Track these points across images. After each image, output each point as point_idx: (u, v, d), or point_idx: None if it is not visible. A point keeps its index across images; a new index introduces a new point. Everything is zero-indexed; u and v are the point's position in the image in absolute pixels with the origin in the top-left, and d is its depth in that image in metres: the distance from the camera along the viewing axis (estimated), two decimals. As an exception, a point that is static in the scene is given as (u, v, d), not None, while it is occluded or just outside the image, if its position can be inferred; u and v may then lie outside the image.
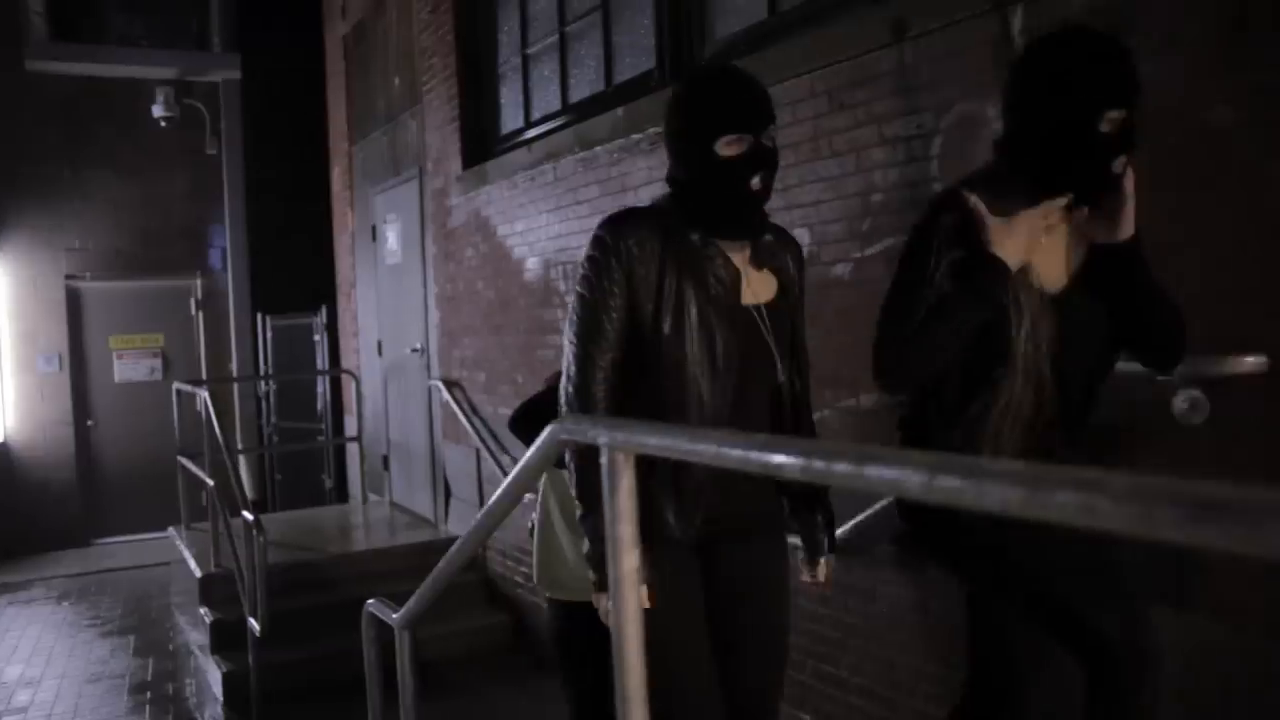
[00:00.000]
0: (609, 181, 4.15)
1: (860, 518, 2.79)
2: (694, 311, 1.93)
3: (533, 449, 1.55)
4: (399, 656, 2.48)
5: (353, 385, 7.36)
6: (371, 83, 7.10)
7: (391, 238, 6.71)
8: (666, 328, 1.93)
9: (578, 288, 1.96)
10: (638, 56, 4.21)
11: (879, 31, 2.82)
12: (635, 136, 3.96)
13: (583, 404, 1.93)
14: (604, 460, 1.21)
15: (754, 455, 0.94)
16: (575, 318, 1.96)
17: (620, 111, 4.07)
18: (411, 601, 2.37)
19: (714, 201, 1.95)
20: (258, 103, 8.82)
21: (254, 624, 4.34)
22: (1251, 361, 1.99)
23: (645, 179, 3.88)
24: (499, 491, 1.81)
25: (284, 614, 4.50)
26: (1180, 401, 2.07)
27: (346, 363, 7.77)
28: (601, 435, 1.22)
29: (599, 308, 1.93)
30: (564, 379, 1.98)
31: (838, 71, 2.97)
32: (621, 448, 1.20)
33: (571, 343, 1.97)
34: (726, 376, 1.96)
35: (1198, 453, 2.10)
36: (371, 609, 2.69)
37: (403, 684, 2.50)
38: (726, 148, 1.89)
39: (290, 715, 4.50)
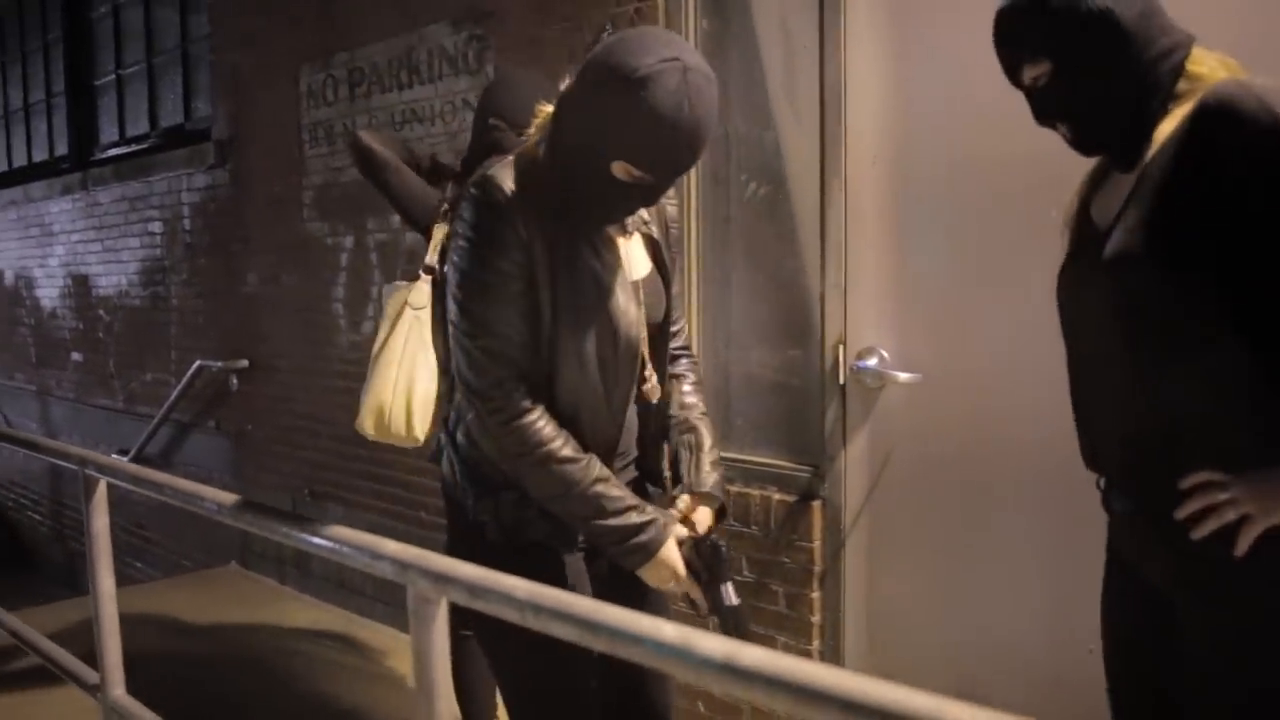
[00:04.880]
0: (44, 227, 6.12)
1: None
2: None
3: None
4: None
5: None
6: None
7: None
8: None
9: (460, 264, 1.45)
10: (61, 141, 6.17)
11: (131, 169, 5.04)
12: (58, 199, 5.95)
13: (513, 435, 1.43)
14: None
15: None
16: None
17: (49, 181, 6.04)
18: None
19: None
20: None
21: None
22: (244, 362, 4.42)
23: (64, 229, 5.90)
24: None
25: None
26: (232, 381, 4.49)
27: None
28: None
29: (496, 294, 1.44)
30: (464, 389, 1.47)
31: (135, 187, 5.16)
32: None
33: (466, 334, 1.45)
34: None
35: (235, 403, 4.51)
36: None
37: None
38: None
39: None
